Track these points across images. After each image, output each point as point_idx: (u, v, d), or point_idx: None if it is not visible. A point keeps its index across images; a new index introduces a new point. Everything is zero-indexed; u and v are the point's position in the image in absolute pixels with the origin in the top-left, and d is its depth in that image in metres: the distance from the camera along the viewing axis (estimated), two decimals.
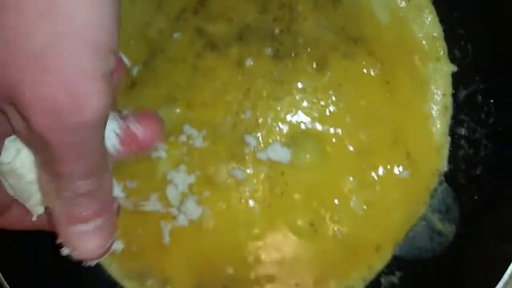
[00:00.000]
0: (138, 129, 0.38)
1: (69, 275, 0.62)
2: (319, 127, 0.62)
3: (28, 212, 0.40)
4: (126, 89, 0.64)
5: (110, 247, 0.38)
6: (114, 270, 0.64)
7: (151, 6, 0.65)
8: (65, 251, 0.37)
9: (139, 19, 0.66)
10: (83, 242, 0.36)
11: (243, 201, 0.62)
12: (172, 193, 0.62)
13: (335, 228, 0.62)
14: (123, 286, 0.64)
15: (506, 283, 0.52)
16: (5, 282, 0.53)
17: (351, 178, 0.62)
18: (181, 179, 0.62)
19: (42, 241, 0.57)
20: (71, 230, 0.35)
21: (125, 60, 0.47)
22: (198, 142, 0.62)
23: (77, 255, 0.37)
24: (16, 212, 0.40)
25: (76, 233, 0.35)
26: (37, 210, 0.40)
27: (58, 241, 0.37)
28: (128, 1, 0.65)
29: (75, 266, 0.61)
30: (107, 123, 0.35)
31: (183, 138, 0.62)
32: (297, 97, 0.62)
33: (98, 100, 0.30)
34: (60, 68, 0.29)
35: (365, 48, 0.61)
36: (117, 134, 0.38)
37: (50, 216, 0.38)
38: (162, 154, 0.63)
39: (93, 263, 0.38)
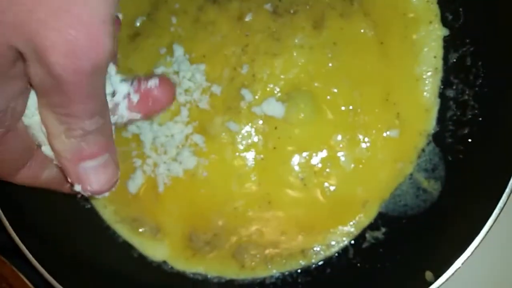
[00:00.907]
0: (158, 91, 0.43)
1: (63, 219, 0.64)
2: (314, 84, 0.64)
3: (43, 169, 0.43)
4: (128, 39, 0.66)
5: (116, 181, 0.43)
6: (107, 214, 0.66)
7: None
8: (77, 188, 0.41)
9: None
10: (93, 177, 0.40)
11: (236, 153, 0.64)
12: (169, 143, 0.64)
13: (324, 183, 0.64)
14: (115, 230, 0.66)
15: (484, 239, 0.54)
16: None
17: (342, 136, 0.64)
18: (178, 129, 0.64)
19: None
20: (81, 167, 0.39)
21: (120, 16, 0.50)
22: (196, 94, 0.64)
23: (88, 190, 0.41)
24: (34, 167, 0.43)
25: (86, 169, 0.39)
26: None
27: (69, 180, 0.41)
28: None
29: (69, 209, 0.65)
30: (120, 86, 0.41)
31: (180, 90, 0.64)
32: (294, 54, 0.64)
33: (109, 42, 0.33)
34: (81, 11, 0.32)
35: (361, 9, 0.63)
36: (130, 97, 0.42)
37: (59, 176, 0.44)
38: None
39: (100, 196, 0.42)
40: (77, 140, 0.38)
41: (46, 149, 0.42)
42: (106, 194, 0.43)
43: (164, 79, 0.44)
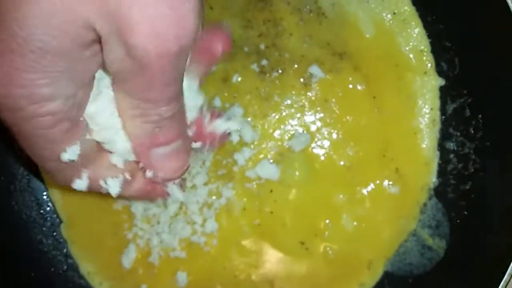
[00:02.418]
0: (214, 42, 0.44)
1: None
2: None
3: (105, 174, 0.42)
4: None
5: (187, 168, 0.42)
6: None
7: None
8: (148, 174, 0.40)
9: None
10: (166, 163, 0.40)
11: (232, 220, 0.62)
12: (162, 214, 0.62)
13: (326, 246, 0.62)
14: None
15: None
16: None
17: (340, 195, 0.62)
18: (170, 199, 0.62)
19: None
20: (154, 153, 0.39)
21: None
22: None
23: (160, 176, 0.40)
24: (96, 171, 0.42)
25: (159, 155, 0.39)
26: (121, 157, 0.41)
27: (140, 166, 0.41)
28: None
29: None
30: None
31: None
32: (284, 114, 0.61)
33: (194, 21, 0.31)
34: None
35: (351, 63, 0.61)
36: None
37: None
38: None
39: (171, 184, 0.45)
40: (152, 126, 0.37)
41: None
42: (176, 181, 0.44)
43: (219, 29, 0.45)
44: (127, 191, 0.44)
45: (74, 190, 0.42)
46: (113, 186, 0.43)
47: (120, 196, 0.44)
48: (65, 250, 0.64)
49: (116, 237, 0.63)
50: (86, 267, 0.63)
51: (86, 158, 0.39)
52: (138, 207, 0.62)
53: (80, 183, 0.41)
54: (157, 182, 0.44)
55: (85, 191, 0.43)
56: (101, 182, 0.42)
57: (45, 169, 0.41)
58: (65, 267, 0.63)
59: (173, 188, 0.48)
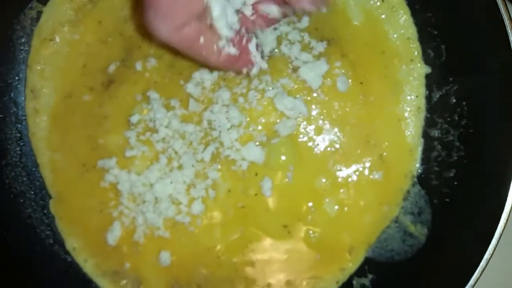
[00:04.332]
0: None
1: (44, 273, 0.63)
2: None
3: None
4: (102, 87, 0.64)
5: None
6: (88, 268, 0.64)
7: (129, 2, 0.66)
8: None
9: (117, 15, 0.66)
10: None
11: (217, 201, 0.62)
12: (148, 193, 0.63)
13: (308, 230, 0.62)
14: (97, 284, 0.64)
15: (474, 286, 0.52)
16: None
17: (323, 179, 0.62)
18: (156, 178, 0.62)
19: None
20: None
21: None
22: (177, 145, 0.62)
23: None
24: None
25: None
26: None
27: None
28: None
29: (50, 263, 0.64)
30: None
31: (157, 137, 0.62)
32: (272, 99, 0.61)
33: None
34: None
35: (338, 49, 0.61)
36: None
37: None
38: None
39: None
40: None
41: None
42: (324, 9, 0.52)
43: None
44: (221, 56, 0.51)
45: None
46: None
47: (213, 66, 0.55)
48: (52, 226, 0.65)
49: (102, 215, 0.64)
50: (72, 243, 0.64)
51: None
52: (124, 185, 0.63)
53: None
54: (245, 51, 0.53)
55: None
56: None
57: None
58: (52, 241, 0.64)
59: (257, 58, 0.55)
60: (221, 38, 0.51)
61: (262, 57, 0.56)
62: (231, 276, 0.62)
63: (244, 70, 0.56)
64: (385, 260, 0.61)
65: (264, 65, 0.57)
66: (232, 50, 0.52)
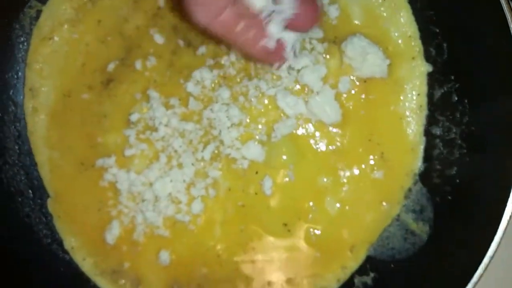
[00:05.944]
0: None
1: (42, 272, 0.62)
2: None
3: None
4: (102, 85, 0.64)
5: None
6: (87, 267, 0.64)
7: (129, 1, 0.66)
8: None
9: (117, 14, 0.66)
10: None
11: (217, 200, 0.62)
12: (147, 192, 0.62)
13: (309, 228, 0.61)
14: (96, 284, 0.64)
15: (476, 284, 0.52)
16: None
17: (325, 178, 0.62)
18: (156, 177, 0.62)
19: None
20: None
21: None
22: (177, 143, 0.62)
23: None
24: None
25: None
26: None
27: None
28: None
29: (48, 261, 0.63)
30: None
31: (157, 136, 0.62)
32: (272, 97, 0.61)
33: None
34: None
35: (339, 49, 0.61)
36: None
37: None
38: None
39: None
40: None
41: None
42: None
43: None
44: (257, 47, 0.52)
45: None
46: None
47: (250, 55, 0.56)
48: (50, 225, 0.64)
49: (100, 213, 0.63)
50: (70, 242, 0.64)
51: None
52: (123, 184, 0.62)
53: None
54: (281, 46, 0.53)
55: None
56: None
57: None
58: (50, 240, 0.64)
59: (290, 55, 0.55)
60: (264, 29, 0.52)
61: (295, 55, 0.57)
62: (232, 275, 0.62)
63: (276, 65, 0.57)
64: (386, 258, 0.61)
65: (296, 64, 0.59)
66: (270, 44, 0.53)
